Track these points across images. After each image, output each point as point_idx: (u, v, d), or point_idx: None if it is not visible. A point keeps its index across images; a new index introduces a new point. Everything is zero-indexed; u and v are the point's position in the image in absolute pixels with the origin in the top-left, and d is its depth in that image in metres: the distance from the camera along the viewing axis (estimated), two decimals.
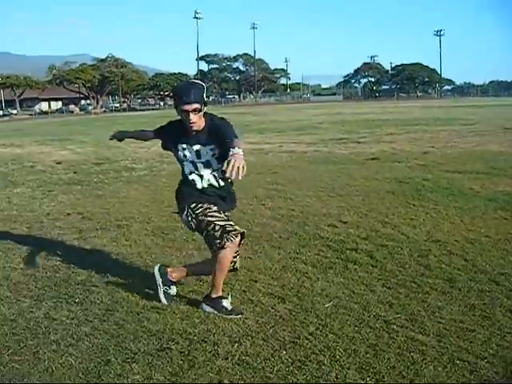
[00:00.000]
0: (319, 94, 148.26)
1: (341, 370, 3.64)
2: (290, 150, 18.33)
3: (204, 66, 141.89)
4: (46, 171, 15.13)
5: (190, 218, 4.75)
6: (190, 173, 4.83)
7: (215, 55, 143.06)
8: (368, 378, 3.53)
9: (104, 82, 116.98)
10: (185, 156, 4.78)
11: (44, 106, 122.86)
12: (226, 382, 3.56)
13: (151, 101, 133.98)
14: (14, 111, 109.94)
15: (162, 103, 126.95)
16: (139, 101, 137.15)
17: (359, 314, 4.55)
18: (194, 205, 4.74)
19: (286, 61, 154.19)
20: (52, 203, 10.12)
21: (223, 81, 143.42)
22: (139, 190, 11.27)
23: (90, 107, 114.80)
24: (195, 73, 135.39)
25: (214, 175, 4.81)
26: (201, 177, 4.80)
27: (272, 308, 4.76)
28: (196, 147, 4.69)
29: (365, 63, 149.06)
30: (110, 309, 4.82)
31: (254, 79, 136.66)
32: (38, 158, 18.81)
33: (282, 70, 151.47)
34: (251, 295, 5.06)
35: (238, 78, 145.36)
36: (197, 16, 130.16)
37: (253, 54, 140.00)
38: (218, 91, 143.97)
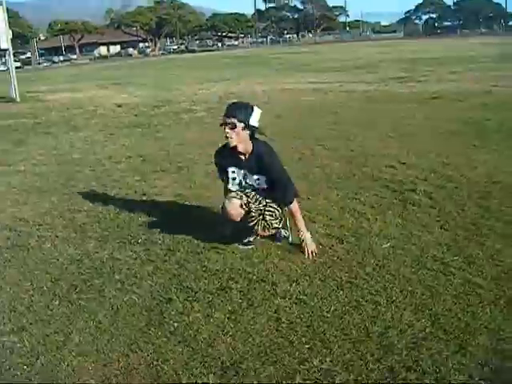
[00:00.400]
0: (379, 32, 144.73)
1: (396, 311, 3.67)
2: (349, 89, 18.10)
3: (261, 5, 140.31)
4: (107, 115, 15.38)
5: None
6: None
7: None
8: (423, 320, 3.55)
9: (161, 24, 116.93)
10: (234, 178, 4.84)
11: (103, 50, 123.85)
12: (283, 320, 3.65)
13: (209, 42, 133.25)
14: (74, 56, 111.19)
15: (219, 44, 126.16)
16: (197, 42, 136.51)
17: (416, 255, 4.55)
18: None
19: None
20: (113, 146, 10.34)
21: (281, 20, 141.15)
22: (198, 132, 11.36)
23: (148, 50, 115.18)
24: (252, 12, 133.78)
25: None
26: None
27: (330, 248, 4.81)
28: (243, 171, 4.79)
29: None
30: (172, 249, 4.96)
31: (313, 17, 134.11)
32: (98, 101, 19.10)
33: (341, 7, 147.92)
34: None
35: (296, 16, 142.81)
36: None
37: None
38: (276, 31, 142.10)
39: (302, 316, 3.69)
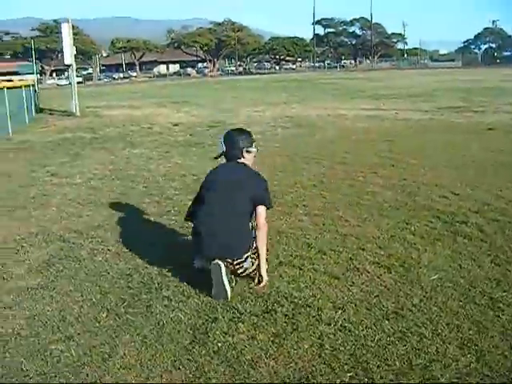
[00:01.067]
0: (437, 60, 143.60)
1: (442, 344, 3.62)
2: (405, 117, 18.01)
3: (320, 30, 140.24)
4: (163, 133, 15.64)
5: None
6: None
7: (331, 19, 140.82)
8: (469, 355, 3.49)
9: (220, 45, 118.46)
10: None
11: (162, 68, 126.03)
12: (327, 346, 3.64)
13: (267, 64, 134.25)
14: (134, 74, 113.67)
15: (277, 67, 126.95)
16: (255, 64, 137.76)
17: (465, 288, 4.49)
18: None
19: (404, 25, 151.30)
20: (168, 164, 10.50)
21: (339, 45, 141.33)
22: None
23: (206, 70, 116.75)
24: (311, 37, 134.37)
25: None
26: None
27: (377, 277, 4.78)
28: None
29: (486, 28, 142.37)
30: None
31: (371, 44, 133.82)
32: (155, 119, 19.43)
33: (399, 34, 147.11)
34: (358, 263, 5.09)
35: (354, 42, 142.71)
36: None
37: (370, 18, 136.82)
38: (333, 56, 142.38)
39: (346, 344, 3.67)
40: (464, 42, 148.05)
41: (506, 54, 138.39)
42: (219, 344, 3.72)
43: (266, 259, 4.82)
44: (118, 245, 5.81)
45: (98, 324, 4.07)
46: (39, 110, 25.52)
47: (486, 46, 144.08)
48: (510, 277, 4.71)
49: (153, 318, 4.14)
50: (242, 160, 4.87)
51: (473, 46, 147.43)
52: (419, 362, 3.43)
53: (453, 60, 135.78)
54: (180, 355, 3.60)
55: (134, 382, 3.33)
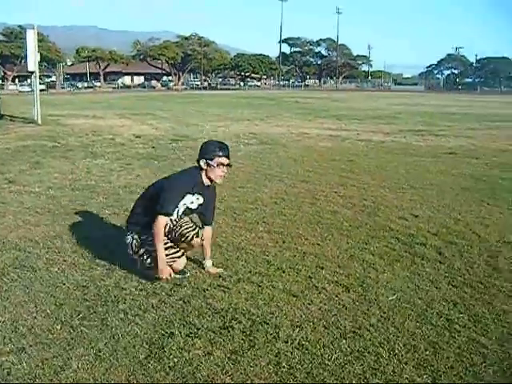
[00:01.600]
0: (400, 84, 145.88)
1: (398, 365, 3.64)
2: (367, 138, 18.17)
3: (286, 49, 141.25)
4: (125, 144, 15.52)
5: None
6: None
7: (298, 38, 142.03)
8: (425, 376, 3.52)
9: (186, 59, 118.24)
10: (184, 204, 5.09)
11: (127, 80, 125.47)
12: (284, 364, 3.63)
13: (232, 81, 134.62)
14: (98, 84, 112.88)
15: (242, 83, 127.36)
16: (220, 80, 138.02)
17: (422, 309, 4.53)
18: None
19: (369, 48, 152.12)
20: (129, 176, 10.41)
21: (305, 64, 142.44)
22: None
23: (171, 83, 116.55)
24: (277, 55, 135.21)
25: None
26: None
27: (336, 296, 4.79)
28: (197, 196, 5.17)
29: (449, 54, 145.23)
30: (178, 283, 4.95)
31: (336, 64, 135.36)
32: (118, 130, 19.27)
33: (364, 56, 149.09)
34: (316, 282, 5.10)
35: (319, 62, 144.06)
36: None
37: (336, 39, 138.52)
38: (298, 74, 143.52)
39: (303, 362, 3.67)
40: (427, 67, 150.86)
41: (467, 80, 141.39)
42: (175, 359, 3.67)
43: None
44: (75, 256, 5.71)
45: (51, 336, 3.99)
46: (0, 116, 25.11)
47: (449, 71, 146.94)
48: (467, 298, 4.77)
49: (108, 331, 4.08)
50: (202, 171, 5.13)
51: (436, 71, 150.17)
52: (376, 382, 3.44)
53: (416, 84, 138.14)
54: (135, 370, 3.55)
55: None
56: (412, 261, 5.75)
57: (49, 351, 3.77)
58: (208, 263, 5.34)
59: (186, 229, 4.95)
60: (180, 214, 5.05)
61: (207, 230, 5.36)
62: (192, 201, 5.11)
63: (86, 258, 5.65)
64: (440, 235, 6.69)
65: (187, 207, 5.11)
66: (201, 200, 5.17)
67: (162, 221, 4.84)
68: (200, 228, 5.11)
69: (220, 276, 5.17)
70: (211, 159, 5.03)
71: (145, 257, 5.00)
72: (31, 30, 22.86)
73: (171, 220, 4.95)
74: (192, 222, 5.10)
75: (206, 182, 5.14)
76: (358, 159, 13.28)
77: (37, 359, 3.66)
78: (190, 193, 5.05)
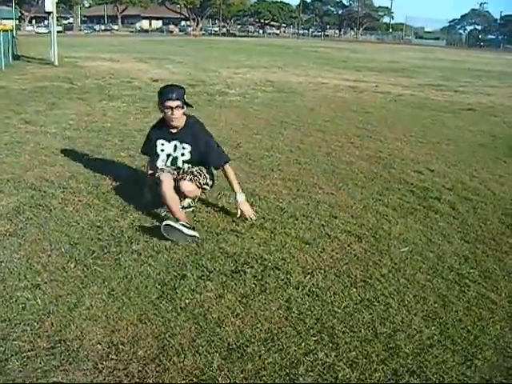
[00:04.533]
0: (422, 37, 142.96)
1: (407, 315, 3.67)
2: (385, 91, 17.97)
3: None
4: (142, 88, 15.44)
5: None
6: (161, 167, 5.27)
7: None
8: (433, 327, 3.54)
9: (205, 4, 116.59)
10: (162, 150, 5.27)
11: (145, 23, 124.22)
12: (294, 310, 3.66)
13: (251, 28, 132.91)
14: (116, 27, 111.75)
15: (261, 31, 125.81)
16: (239, 27, 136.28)
17: (433, 263, 4.54)
18: None
19: None
20: (145, 119, 10.37)
21: (325, 14, 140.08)
22: (230, 115, 11.37)
23: (189, 29, 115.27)
24: (297, 3, 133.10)
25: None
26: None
27: (348, 246, 4.81)
28: (174, 142, 5.25)
29: (473, 9, 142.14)
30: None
31: (357, 15, 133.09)
32: (135, 74, 19.17)
33: (386, 8, 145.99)
34: (329, 230, 5.11)
35: (340, 12, 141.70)
36: None
37: None
38: (318, 24, 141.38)
39: (313, 308, 3.70)
40: (450, 22, 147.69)
41: (490, 37, 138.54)
42: (187, 301, 3.72)
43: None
44: (90, 196, 5.75)
45: (65, 274, 4.04)
46: (16, 57, 25.01)
47: (472, 27, 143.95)
48: (478, 254, 4.77)
49: (121, 271, 4.13)
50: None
51: (458, 27, 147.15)
52: (384, 331, 3.47)
53: (437, 38, 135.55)
54: (147, 309, 3.59)
55: (99, 333, 3.32)
56: (425, 214, 5.74)
57: (63, 288, 3.83)
58: (240, 197, 5.25)
59: (181, 175, 5.16)
60: (167, 161, 5.25)
61: (225, 169, 5.32)
62: (168, 147, 5.25)
63: (100, 198, 5.69)
64: (455, 190, 6.66)
65: (173, 157, 5.25)
66: (187, 147, 5.22)
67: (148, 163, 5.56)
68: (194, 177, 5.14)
69: (233, 221, 5.19)
70: (161, 104, 5.13)
71: None
72: None
73: (173, 171, 5.18)
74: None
75: (170, 126, 5.24)
76: (375, 111, 13.17)
77: (51, 296, 3.72)
78: (159, 138, 5.27)
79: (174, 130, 5.24)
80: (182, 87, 5.25)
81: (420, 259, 4.60)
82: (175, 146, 5.23)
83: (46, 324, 3.39)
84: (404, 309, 3.76)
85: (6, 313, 3.49)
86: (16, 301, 3.63)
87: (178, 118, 5.14)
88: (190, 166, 5.24)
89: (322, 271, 4.26)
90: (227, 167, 5.32)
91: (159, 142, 5.26)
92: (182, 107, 5.12)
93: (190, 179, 5.06)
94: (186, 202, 5.31)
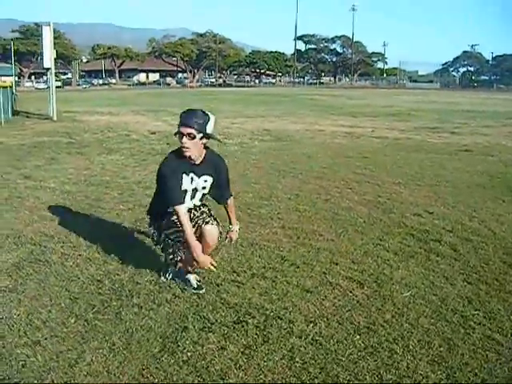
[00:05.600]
0: (416, 81, 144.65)
1: (412, 361, 3.63)
2: (382, 135, 18.10)
3: (301, 46, 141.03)
4: (140, 140, 15.57)
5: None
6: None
7: (313, 35, 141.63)
8: (439, 372, 3.50)
9: (201, 56, 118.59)
10: (193, 183, 4.76)
11: (142, 77, 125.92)
12: (297, 359, 3.62)
13: (247, 78, 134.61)
14: (114, 81, 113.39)
15: (257, 81, 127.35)
16: (235, 77, 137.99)
17: (437, 306, 4.50)
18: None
19: (384, 45, 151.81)
20: (144, 172, 10.43)
21: (320, 62, 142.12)
22: (229, 166, 11.36)
23: (186, 81, 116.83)
24: (292, 52, 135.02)
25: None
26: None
27: (350, 292, 4.78)
28: (191, 175, 4.72)
29: (464, 51, 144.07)
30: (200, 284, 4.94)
31: (351, 62, 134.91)
32: (133, 127, 19.34)
33: (380, 53, 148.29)
34: (331, 277, 5.09)
35: (334, 59, 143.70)
36: None
37: (351, 36, 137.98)
38: (313, 72, 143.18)
39: (317, 357, 3.66)
40: (443, 65, 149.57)
41: (483, 77, 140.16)
42: (189, 353, 3.68)
43: None
44: (90, 250, 5.73)
45: (65, 329, 4.01)
46: (16, 113, 25.25)
47: (465, 69, 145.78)
48: (482, 295, 4.74)
49: (122, 325, 4.09)
50: None
51: (451, 69, 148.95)
52: (389, 378, 3.43)
53: (431, 81, 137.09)
54: (149, 363, 3.56)
55: None
56: (427, 257, 5.72)
57: (63, 344, 3.79)
58: (235, 227, 5.15)
59: (200, 218, 4.75)
60: (193, 197, 4.78)
61: (229, 202, 5.14)
62: (186, 182, 4.68)
63: (100, 252, 5.67)
64: (455, 232, 6.65)
65: (192, 189, 4.74)
66: (209, 180, 4.81)
67: (179, 210, 4.54)
68: (215, 221, 4.82)
69: (234, 271, 5.17)
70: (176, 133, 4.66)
71: (169, 250, 4.82)
72: (47, 27, 23.02)
73: (194, 209, 4.80)
74: (210, 214, 4.87)
75: (189, 157, 4.67)
76: (372, 156, 13.23)
77: (51, 352, 3.68)
78: (183, 172, 4.67)
79: (196, 162, 4.71)
80: (205, 114, 4.61)
81: (423, 303, 4.57)
82: (191, 179, 4.71)
83: (46, 381, 3.35)
84: (409, 354, 3.71)
85: (6, 371, 3.45)
86: (16, 358, 3.60)
87: (190, 149, 4.57)
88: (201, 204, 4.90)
89: (325, 319, 4.23)
90: (232, 200, 5.19)
91: (183, 176, 4.69)
92: (195, 137, 4.53)
93: (213, 221, 4.76)
94: (194, 280, 4.92)
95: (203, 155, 4.74)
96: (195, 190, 4.78)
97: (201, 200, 4.90)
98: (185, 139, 4.53)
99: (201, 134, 4.56)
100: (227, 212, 5.17)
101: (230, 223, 5.16)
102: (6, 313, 4.26)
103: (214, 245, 4.80)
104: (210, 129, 4.61)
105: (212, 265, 4.53)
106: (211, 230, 4.67)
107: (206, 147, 4.76)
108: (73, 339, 3.86)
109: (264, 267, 5.31)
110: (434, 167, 11.67)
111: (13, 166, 10.89)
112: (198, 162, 4.71)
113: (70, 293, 4.65)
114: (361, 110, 32.56)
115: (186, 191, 4.70)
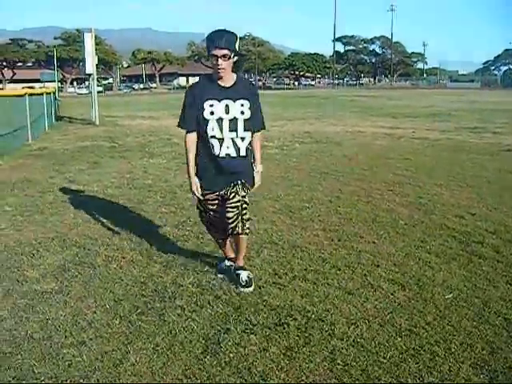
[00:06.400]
0: (456, 81, 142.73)
1: (454, 364, 3.60)
2: (422, 136, 17.96)
3: (340, 48, 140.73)
4: (181, 144, 15.60)
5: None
6: (212, 137, 4.66)
7: (352, 37, 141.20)
8: (482, 376, 3.47)
9: (240, 59, 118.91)
10: (212, 113, 4.58)
11: (182, 80, 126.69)
12: (339, 361, 3.63)
13: (286, 80, 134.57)
14: (154, 85, 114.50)
15: (296, 83, 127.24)
16: (274, 79, 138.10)
17: (479, 308, 4.46)
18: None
19: (424, 45, 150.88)
20: (185, 175, 10.48)
21: (359, 63, 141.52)
22: (270, 168, 11.43)
23: None
24: (331, 53, 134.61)
25: (235, 142, 4.67)
26: (221, 142, 4.66)
27: (391, 294, 4.76)
28: (226, 101, 4.57)
29: (506, 50, 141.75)
30: (234, 281, 5.00)
31: (390, 62, 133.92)
32: (174, 131, 19.43)
33: (419, 54, 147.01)
34: (372, 280, 5.08)
35: (373, 60, 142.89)
36: None
37: (390, 37, 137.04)
38: (352, 73, 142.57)
39: (358, 359, 3.66)
40: (484, 64, 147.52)
41: None
42: (231, 355, 3.72)
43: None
44: (133, 253, 5.83)
45: (110, 330, 4.09)
46: (59, 118, 25.72)
47: (506, 67, 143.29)
48: None
49: (165, 326, 4.15)
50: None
51: (493, 68, 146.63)
52: (431, 381, 3.41)
53: (472, 81, 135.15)
54: (191, 364, 3.60)
55: None
56: (469, 259, 5.67)
57: (108, 345, 3.87)
58: (259, 167, 4.93)
59: (235, 212, 4.69)
60: (222, 128, 4.61)
61: (258, 135, 4.89)
62: (219, 109, 4.57)
63: (143, 255, 5.76)
64: (497, 234, 6.57)
65: (231, 119, 4.60)
66: (246, 103, 4.62)
67: (188, 138, 5.00)
68: (244, 224, 4.73)
69: (276, 273, 5.19)
70: (208, 52, 4.52)
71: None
72: (89, 34, 23.43)
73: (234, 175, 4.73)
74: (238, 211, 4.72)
75: (220, 79, 4.59)
76: (413, 157, 13.13)
77: (97, 352, 3.76)
78: (209, 98, 4.56)
79: (226, 84, 4.60)
80: (233, 33, 4.50)
81: (465, 305, 4.53)
82: (226, 106, 4.57)
83: (92, 380, 3.42)
84: (451, 357, 3.69)
85: (53, 370, 3.54)
86: (62, 358, 3.68)
87: (226, 70, 4.48)
88: (246, 136, 4.69)
89: (366, 321, 4.23)
90: (260, 134, 4.93)
91: (207, 103, 4.58)
92: (231, 57, 4.46)
93: (242, 227, 4.71)
94: (245, 275, 4.96)
95: (234, 78, 4.66)
96: (235, 120, 4.62)
97: (245, 129, 4.67)
98: (220, 61, 4.41)
99: (233, 54, 4.47)
100: (254, 147, 4.89)
101: (254, 161, 4.92)
102: (52, 314, 4.37)
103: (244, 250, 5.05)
104: (238, 47, 4.53)
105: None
106: (244, 240, 4.88)
107: (233, 70, 4.65)
108: (117, 340, 3.94)
109: (305, 269, 5.33)
110: (475, 168, 11.53)
111: (57, 171, 11.12)
112: (229, 85, 4.62)
113: (114, 294, 4.74)
114: (401, 110, 32.32)
115: (221, 120, 4.59)
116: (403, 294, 4.76)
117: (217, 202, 4.83)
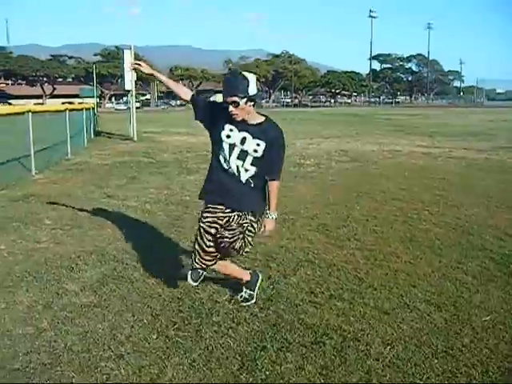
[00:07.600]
0: (494, 99, 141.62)
1: None
2: (459, 155, 17.82)
3: (376, 66, 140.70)
4: None
5: None
6: (224, 160, 4.70)
7: (388, 55, 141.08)
8: None
9: (277, 77, 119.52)
10: (228, 136, 4.61)
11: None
12: (374, 381, 3.63)
13: (322, 98, 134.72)
14: None
15: (332, 100, 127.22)
16: (310, 97, 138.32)
17: None
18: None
19: (461, 63, 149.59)
20: None
21: (395, 81, 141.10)
22: (306, 186, 11.49)
23: (262, 101, 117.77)
24: (367, 72, 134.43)
25: (238, 169, 4.66)
26: (228, 163, 4.67)
27: (428, 315, 4.74)
28: (245, 134, 4.57)
29: None
30: (271, 299, 5.02)
31: (427, 80, 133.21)
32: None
33: (456, 72, 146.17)
34: (408, 300, 5.06)
35: (410, 78, 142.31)
36: (371, 15, 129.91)
37: (427, 55, 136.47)
38: (389, 91, 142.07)
39: (394, 380, 3.65)
40: None
41: None
42: (267, 372, 3.74)
43: None
44: (171, 268, 5.89)
45: (147, 345, 4.14)
46: (98, 133, 26.12)
47: None
48: None
49: (202, 342, 4.20)
50: None
51: None
52: None
53: (510, 99, 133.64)
54: (228, 381, 3.64)
55: None
56: (507, 281, 5.61)
57: (145, 359, 3.92)
58: (273, 215, 4.75)
59: (238, 242, 4.62)
60: (231, 153, 4.62)
61: (274, 184, 4.75)
62: (236, 136, 4.57)
63: (180, 270, 5.82)
64: None
65: (242, 150, 4.57)
66: (262, 144, 4.55)
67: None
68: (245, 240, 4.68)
69: (312, 292, 5.20)
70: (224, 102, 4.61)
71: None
72: (128, 51, 23.82)
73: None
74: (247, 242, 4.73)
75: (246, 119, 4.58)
76: (450, 177, 13.03)
77: (134, 366, 3.81)
78: (229, 122, 4.60)
79: (250, 122, 4.60)
80: (245, 77, 4.50)
81: (503, 328, 4.49)
82: (244, 138, 4.57)
83: None
84: (488, 380, 3.66)
85: (91, 382, 3.60)
86: (100, 371, 3.75)
87: (238, 115, 4.51)
88: (250, 170, 4.64)
89: (403, 342, 4.22)
90: (277, 183, 4.78)
91: (228, 126, 4.63)
92: (240, 104, 4.47)
93: (240, 248, 4.66)
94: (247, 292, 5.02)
95: (261, 120, 4.66)
96: (246, 152, 4.59)
97: (252, 164, 4.62)
98: (231, 108, 4.49)
99: (244, 100, 4.45)
100: (268, 195, 4.80)
101: (269, 209, 4.80)
102: (91, 327, 4.45)
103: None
104: (252, 90, 4.47)
105: None
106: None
107: (264, 115, 4.70)
108: (154, 354, 3.99)
109: (341, 288, 5.33)
110: None
111: (96, 185, 11.29)
112: (253, 123, 4.61)
113: (151, 309, 4.80)
114: (438, 129, 32.11)
115: (234, 146, 4.60)
116: (440, 315, 4.73)
117: (215, 226, 4.71)
